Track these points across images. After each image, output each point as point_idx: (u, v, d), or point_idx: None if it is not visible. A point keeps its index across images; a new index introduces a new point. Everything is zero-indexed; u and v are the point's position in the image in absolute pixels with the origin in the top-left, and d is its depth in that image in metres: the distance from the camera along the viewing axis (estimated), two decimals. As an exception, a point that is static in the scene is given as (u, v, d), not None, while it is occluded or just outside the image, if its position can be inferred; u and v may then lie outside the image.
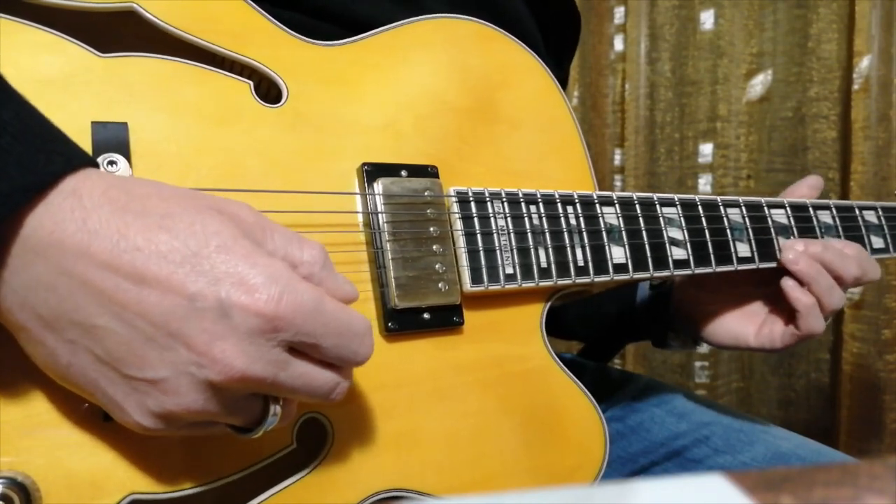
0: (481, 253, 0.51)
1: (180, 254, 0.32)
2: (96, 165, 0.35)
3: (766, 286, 0.69)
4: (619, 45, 1.43)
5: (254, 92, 0.46)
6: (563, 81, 0.83)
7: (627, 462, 0.76)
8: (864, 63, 1.27)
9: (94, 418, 0.38)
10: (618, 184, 1.45)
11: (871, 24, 1.26)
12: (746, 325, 0.70)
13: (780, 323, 0.68)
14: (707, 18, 1.39)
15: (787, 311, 0.67)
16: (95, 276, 0.32)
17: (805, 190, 0.72)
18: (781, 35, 1.38)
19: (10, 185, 0.31)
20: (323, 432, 0.44)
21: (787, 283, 0.65)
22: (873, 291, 1.28)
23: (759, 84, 1.39)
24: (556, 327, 0.88)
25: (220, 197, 0.36)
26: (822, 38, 1.34)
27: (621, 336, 0.87)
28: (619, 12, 1.43)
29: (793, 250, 0.65)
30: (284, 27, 0.48)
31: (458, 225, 0.50)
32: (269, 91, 0.48)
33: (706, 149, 1.41)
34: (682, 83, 1.41)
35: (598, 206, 0.56)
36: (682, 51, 1.41)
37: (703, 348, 1.42)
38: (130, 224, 0.32)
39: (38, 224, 0.32)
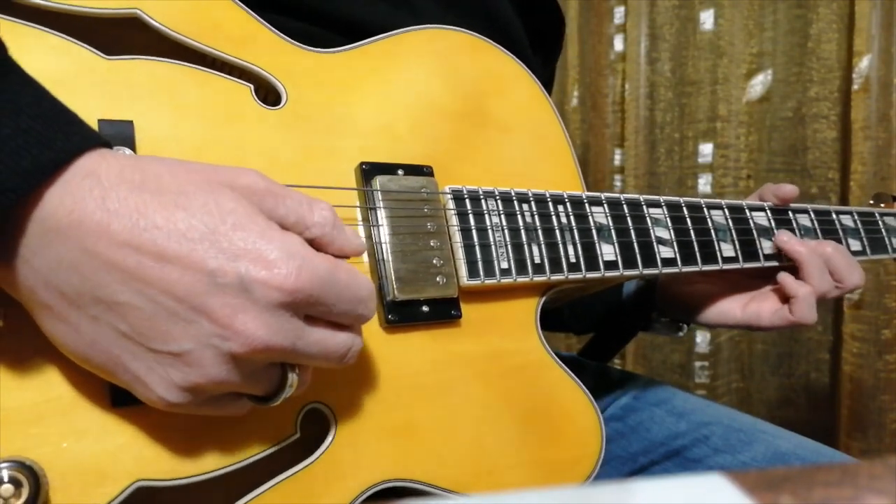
0: (477, 248, 0.52)
1: (198, 231, 0.33)
2: (110, 146, 0.36)
3: (756, 270, 0.70)
4: (619, 45, 1.43)
5: (254, 94, 0.47)
6: (550, 79, 0.85)
7: (627, 461, 0.76)
8: (864, 63, 1.27)
9: (102, 405, 0.39)
10: (618, 184, 1.45)
11: (871, 24, 1.26)
12: (734, 301, 0.72)
13: (769, 302, 0.69)
14: (707, 18, 1.39)
15: (778, 293, 0.69)
16: (117, 254, 0.33)
17: (769, 196, 0.73)
18: (781, 35, 1.38)
19: (31, 162, 0.32)
20: (325, 423, 0.45)
21: (784, 277, 0.68)
22: (873, 291, 1.28)
23: (759, 84, 1.39)
24: (551, 321, 0.88)
25: (231, 168, 0.37)
26: (822, 38, 1.34)
27: (611, 329, 0.88)
28: (619, 12, 1.43)
29: (793, 238, 0.68)
30: (283, 35, 0.50)
31: (454, 221, 0.52)
32: (266, 97, 0.49)
33: (706, 149, 1.41)
34: (682, 83, 1.41)
35: (587, 205, 0.58)
36: (682, 51, 1.41)
37: (703, 347, 1.42)
38: (148, 202, 0.33)
39: (59, 203, 0.32)
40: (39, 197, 0.32)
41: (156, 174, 0.35)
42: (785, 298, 0.68)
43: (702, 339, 1.43)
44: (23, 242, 0.33)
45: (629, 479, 0.71)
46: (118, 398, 0.38)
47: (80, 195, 0.33)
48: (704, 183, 1.41)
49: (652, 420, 0.77)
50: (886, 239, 0.78)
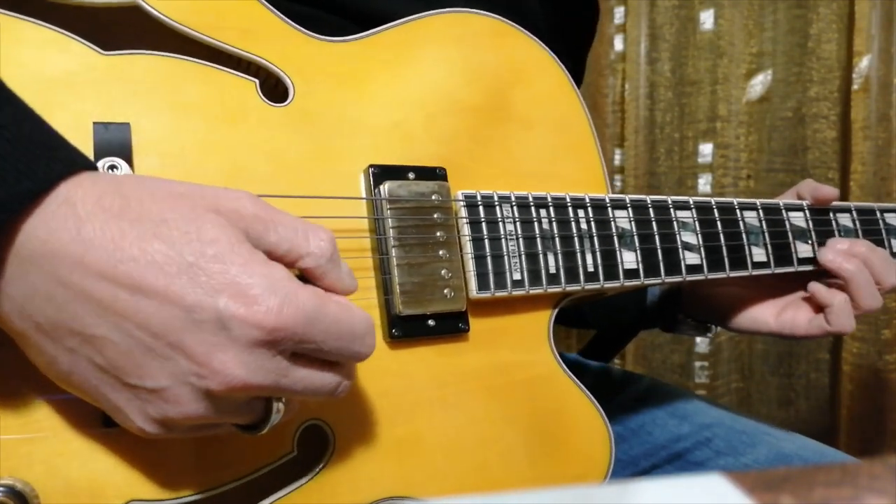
0: (488, 259, 0.50)
1: (177, 265, 0.32)
2: (94, 168, 0.34)
3: (789, 274, 0.67)
4: (619, 45, 1.43)
5: (259, 91, 0.45)
6: (580, 76, 0.80)
7: (629, 465, 0.76)
8: (863, 63, 1.27)
9: (94, 425, 0.38)
10: (618, 184, 1.45)
11: (871, 24, 1.26)
12: (766, 308, 0.69)
13: (804, 310, 0.67)
14: (707, 18, 1.39)
15: (812, 301, 0.66)
16: (93, 286, 0.32)
17: (807, 194, 0.69)
18: (781, 35, 1.38)
19: (6, 191, 0.30)
20: (324, 439, 0.44)
21: (815, 287, 0.65)
22: (873, 291, 1.28)
23: (759, 84, 1.39)
24: (571, 318, 0.87)
25: (219, 189, 0.35)
26: (822, 38, 1.34)
27: (633, 325, 0.85)
28: (619, 12, 1.42)
29: (832, 250, 0.64)
30: (293, 23, 0.48)
31: (466, 230, 0.50)
32: (277, 86, 0.47)
33: (706, 149, 1.41)
34: (682, 83, 1.41)
35: (610, 209, 0.55)
36: (682, 51, 1.41)
37: (703, 347, 1.42)
38: (126, 232, 0.32)
39: (33, 233, 0.31)
40: (16, 227, 0.31)
41: (138, 199, 0.33)
42: (819, 307, 0.65)
43: (701, 339, 1.43)
44: None
45: (630, 480, 0.71)
46: (110, 418, 0.37)
47: (55, 225, 0.31)
48: (704, 183, 1.41)
49: (654, 422, 0.77)
50: None
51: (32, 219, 0.31)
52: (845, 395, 1.31)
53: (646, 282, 0.56)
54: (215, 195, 0.35)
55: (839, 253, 0.64)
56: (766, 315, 0.68)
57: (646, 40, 1.39)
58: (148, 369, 0.32)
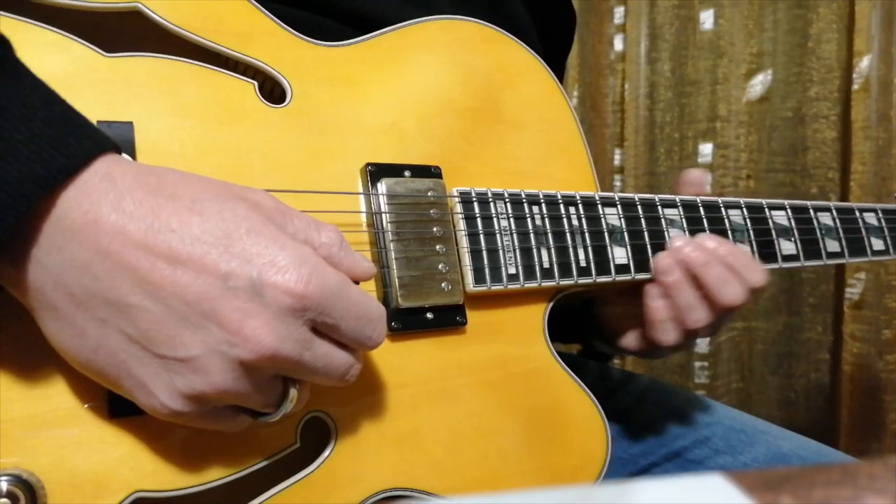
0: (484, 253, 0.51)
1: (213, 236, 0.34)
2: (120, 151, 0.36)
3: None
4: (619, 45, 1.43)
5: (258, 92, 0.46)
6: (560, 79, 0.82)
7: (627, 463, 0.76)
8: (864, 63, 1.27)
9: (100, 416, 0.38)
10: (617, 184, 1.45)
11: (871, 24, 1.26)
12: (635, 328, 0.62)
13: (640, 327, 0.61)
14: (707, 18, 1.39)
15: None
16: (131, 255, 0.33)
17: (692, 189, 0.64)
18: (781, 35, 1.38)
19: (43, 166, 0.32)
20: (326, 431, 0.44)
21: (647, 290, 0.58)
22: (873, 291, 1.28)
23: (758, 84, 1.39)
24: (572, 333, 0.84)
25: (240, 185, 0.37)
26: (822, 38, 1.35)
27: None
28: (619, 12, 1.43)
29: (669, 259, 0.57)
30: (289, 28, 0.49)
31: (461, 225, 0.51)
32: (273, 90, 0.48)
33: (706, 149, 1.41)
34: (682, 83, 1.41)
35: (600, 206, 0.57)
36: (681, 51, 1.41)
37: (703, 347, 1.42)
38: (163, 206, 0.34)
39: (74, 204, 0.33)
40: (54, 200, 0.32)
41: (171, 182, 0.35)
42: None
43: (701, 339, 1.43)
44: (35, 244, 0.33)
45: (630, 480, 0.71)
46: (117, 408, 0.38)
47: (97, 197, 0.33)
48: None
49: (652, 421, 0.77)
50: None
51: (71, 191, 0.33)
52: (845, 395, 1.31)
53: (637, 277, 0.57)
54: (239, 188, 0.37)
55: (674, 265, 0.57)
56: (633, 337, 0.62)
57: (646, 40, 1.39)
58: (180, 338, 0.33)
